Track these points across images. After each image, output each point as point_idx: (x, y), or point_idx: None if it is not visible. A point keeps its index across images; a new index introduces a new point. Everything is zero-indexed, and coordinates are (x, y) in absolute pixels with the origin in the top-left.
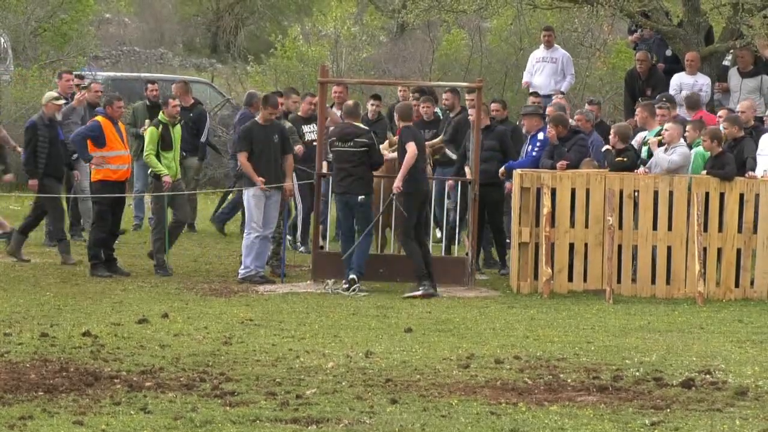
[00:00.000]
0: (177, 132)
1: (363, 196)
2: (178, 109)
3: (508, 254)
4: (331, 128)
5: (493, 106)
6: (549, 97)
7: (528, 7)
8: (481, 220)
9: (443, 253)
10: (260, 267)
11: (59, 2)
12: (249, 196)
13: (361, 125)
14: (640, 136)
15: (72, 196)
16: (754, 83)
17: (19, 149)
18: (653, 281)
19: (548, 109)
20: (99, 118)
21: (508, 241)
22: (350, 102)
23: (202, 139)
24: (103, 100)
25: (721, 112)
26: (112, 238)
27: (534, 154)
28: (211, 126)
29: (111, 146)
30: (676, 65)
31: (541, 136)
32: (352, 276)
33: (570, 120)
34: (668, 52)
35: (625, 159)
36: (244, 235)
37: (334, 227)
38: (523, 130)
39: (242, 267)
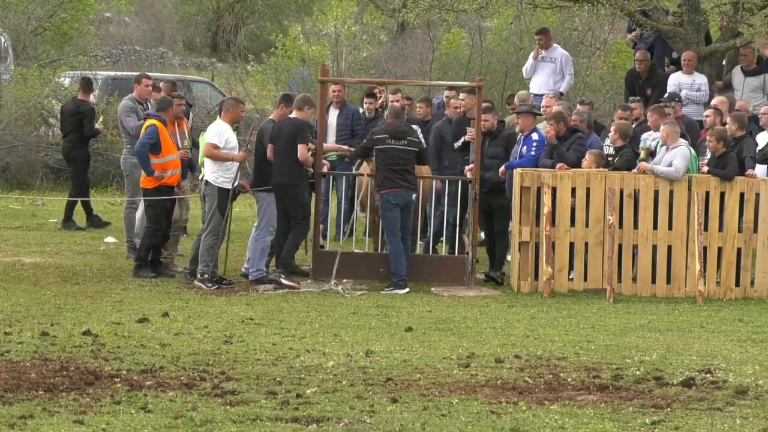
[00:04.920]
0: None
1: (415, 193)
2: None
3: (506, 261)
4: (379, 126)
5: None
6: (538, 96)
7: (528, 7)
8: (488, 226)
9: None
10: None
11: (59, 1)
12: (270, 199)
13: (413, 126)
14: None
15: (130, 198)
16: (757, 82)
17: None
18: (653, 281)
19: (555, 108)
20: (155, 122)
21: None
22: (397, 104)
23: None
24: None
25: (714, 101)
26: (164, 240)
27: (532, 153)
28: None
29: (166, 152)
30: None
31: (535, 136)
32: (404, 292)
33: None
34: (675, 55)
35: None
36: (257, 237)
37: (334, 227)
38: (517, 129)
39: (254, 269)
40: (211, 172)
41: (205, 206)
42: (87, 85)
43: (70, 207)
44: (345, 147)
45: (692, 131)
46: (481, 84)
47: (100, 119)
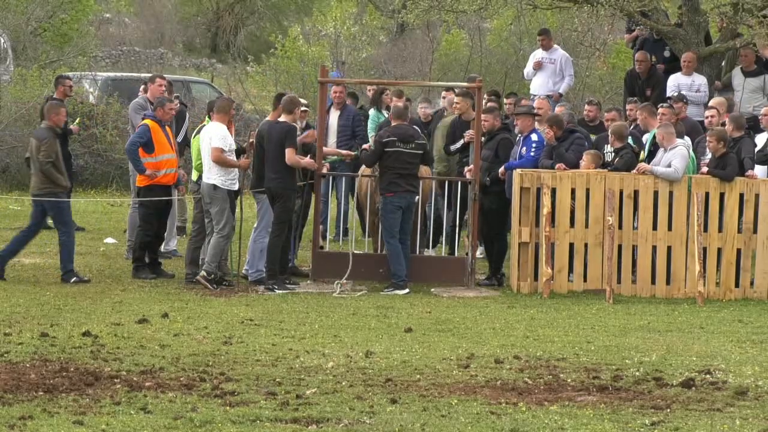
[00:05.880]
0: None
1: (417, 195)
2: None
3: (504, 266)
4: (385, 128)
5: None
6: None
7: (528, 8)
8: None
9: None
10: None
11: (59, 2)
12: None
13: (416, 127)
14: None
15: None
16: (757, 83)
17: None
18: (653, 281)
19: (557, 109)
20: (147, 121)
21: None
22: (401, 104)
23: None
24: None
25: (712, 102)
26: (158, 241)
27: (532, 154)
28: None
29: (159, 150)
30: (675, 62)
31: (534, 137)
32: (403, 293)
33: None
34: (666, 53)
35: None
36: (257, 237)
37: (334, 227)
38: (516, 130)
39: (254, 270)
40: (218, 176)
41: (210, 209)
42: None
43: None
44: (345, 152)
45: (695, 132)
46: (481, 85)
47: (77, 120)
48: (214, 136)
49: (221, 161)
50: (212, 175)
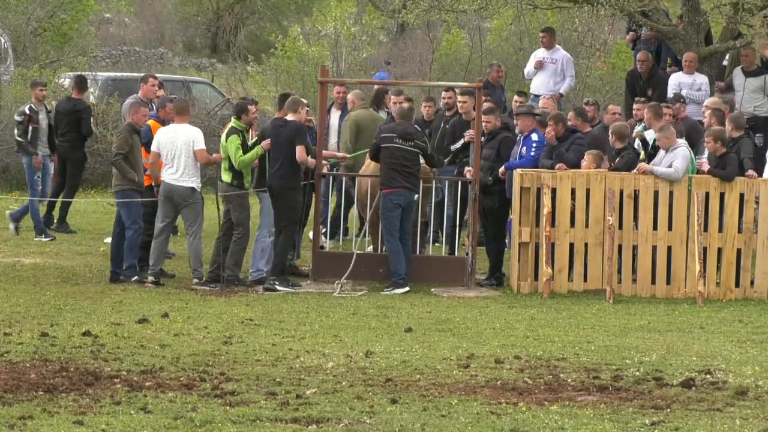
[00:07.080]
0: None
1: (417, 194)
2: (256, 115)
3: (504, 266)
4: (385, 126)
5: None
6: (538, 97)
7: (528, 7)
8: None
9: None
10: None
11: (59, 2)
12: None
13: (418, 128)
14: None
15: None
16: (758, 82)
17: None
18: (653, 281)
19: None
20: (150, 122)
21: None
22: (406, 105)
23: None
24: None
25: (708, 102)
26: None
27: (532, 154)
28: (212, 126)
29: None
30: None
31: (535, 137)
32: (403, 291)
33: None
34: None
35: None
36: (258, 237)
37: (337, 226)
38: (516, 130)
39: (254, 269)
40: (196, 179)
41: (183, 210)
42: (82, 83)
43: (64, 208)
44: (341, 154)
45: (695, 132)
46: (481, 85)
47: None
48: (196, 140)
49: (210, 162)
50: (191, 178)
